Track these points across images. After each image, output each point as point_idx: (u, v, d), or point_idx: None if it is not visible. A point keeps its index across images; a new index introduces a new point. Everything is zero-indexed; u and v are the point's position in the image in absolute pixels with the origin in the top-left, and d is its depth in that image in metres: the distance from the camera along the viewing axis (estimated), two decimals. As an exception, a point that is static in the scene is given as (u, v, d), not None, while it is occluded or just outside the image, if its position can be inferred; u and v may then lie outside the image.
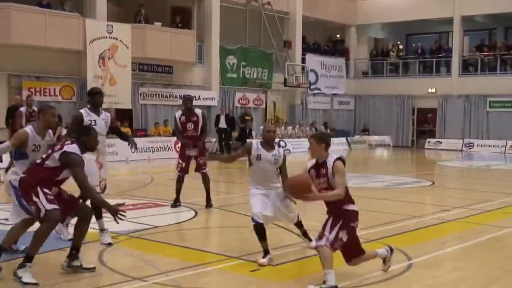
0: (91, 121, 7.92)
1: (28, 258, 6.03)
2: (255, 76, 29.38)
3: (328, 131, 31.69)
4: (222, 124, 25.32)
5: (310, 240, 7.39)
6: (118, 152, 21.59)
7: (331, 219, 6.23)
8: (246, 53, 28.81)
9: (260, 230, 7.01)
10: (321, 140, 6.34)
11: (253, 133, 27.89)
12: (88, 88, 21.76)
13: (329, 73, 33.35)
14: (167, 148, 23.31)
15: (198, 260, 7.15)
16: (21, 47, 20.49)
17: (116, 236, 8.39)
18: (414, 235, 9.05)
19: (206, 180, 11.20)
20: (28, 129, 6.70)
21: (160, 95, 25.17)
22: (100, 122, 8.05)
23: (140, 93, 24.42)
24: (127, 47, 23.07)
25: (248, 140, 7.36)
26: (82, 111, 8.18)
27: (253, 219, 7.02)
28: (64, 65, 22.08)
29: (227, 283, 6.29)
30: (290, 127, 29.67)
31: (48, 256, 6.97)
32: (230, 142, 25.80)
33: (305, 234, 7.62)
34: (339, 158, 6.27)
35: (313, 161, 6.42)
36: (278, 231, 8.98)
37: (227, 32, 27.41)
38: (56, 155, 6.25)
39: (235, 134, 26.85)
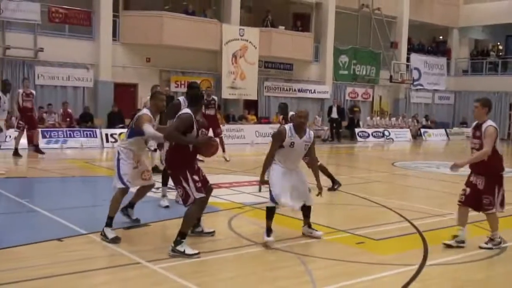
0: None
1: (182, 234, 5.81)
2: (364, 73, 28.79)
3: (429, 123, 30.60)
4: (334, 114, 25.04)
5: (316, 230, 6.67)
6: (245, 136, 22.07)
7: (497, 187, 6.27)
8: (357, 52, 28.27)
9: (272, 212, 6.41)
10: (485, 104, 6.36)
11: (361, 123, 27.47)
12: (223, 81, 22.50)
13: (431, 71, 32.01)
14: (286, 133, 23.36)
15: (310, 231, 7.10)
16: (170, 47, 21.29)
17: (242, 207, 8.55)
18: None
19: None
20: (148, 111, 6.58)
21: (282, 88, 25.30)
22: None
23: (265, 87, 24.68)
24: (255, 48, 23.35)
25: (283, 126, 6.67)
26: (180, 99, 8.18)
27: (271, 200, 6.36)
28: (204, 63, 22.73)
29: (335, 252, 6.20)
30: (394, 118, 28.83)
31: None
32: (340, 130, 25.50)
33: (309, 225, 6.76)
34: (492, 125, 6.27)
35: (475, 122, 6.53)
36: (383, 210, 8.78)
37: (340, 34, 27.01)
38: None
39: (344, 123, 26.54)
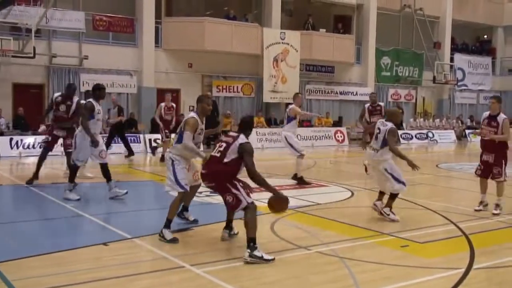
0: (99, 110, 9.15)
1: (253, 240, 5.79)
2: (406, 74, 28.34)
3: (474, 123, 29.82)
4: (376, 116, 24.71)
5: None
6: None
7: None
8: (399, 54, 27.86)
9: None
10: (499, 100, 8.44)
11: (404, 124, 26.98)
12: (265, 85, 22.49)
13: (476, 71, 31.23)
14: (327, 137, 23.26)
15: (353, 234, 7.00)
16: (212, 52, 21.47)
17: (284, 210, 8.47)
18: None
19: None
20: (195, 114, 6.63)
21: (323, 91, 25.17)
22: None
23: (306, 90, 24.60)
24: (297, 51, 23.29)
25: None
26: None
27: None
28: (245, 67, 22.81)
29: (380, 255, 6.08)
30: (438, 119, 28.25)
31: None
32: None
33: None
34: (507, 118, 8.22)
35: (487, 113, 8.46)
36: (428, 213, 8.59)
37: (382, 35, 26.69)
38: (234, 148, 6.00)
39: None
